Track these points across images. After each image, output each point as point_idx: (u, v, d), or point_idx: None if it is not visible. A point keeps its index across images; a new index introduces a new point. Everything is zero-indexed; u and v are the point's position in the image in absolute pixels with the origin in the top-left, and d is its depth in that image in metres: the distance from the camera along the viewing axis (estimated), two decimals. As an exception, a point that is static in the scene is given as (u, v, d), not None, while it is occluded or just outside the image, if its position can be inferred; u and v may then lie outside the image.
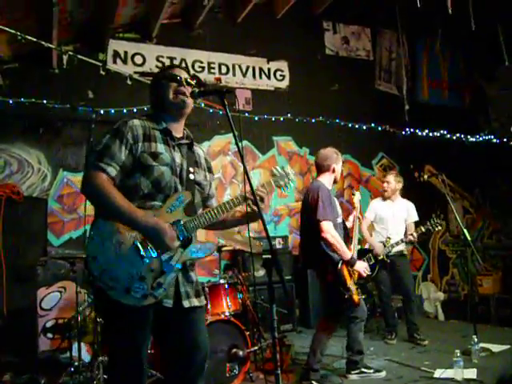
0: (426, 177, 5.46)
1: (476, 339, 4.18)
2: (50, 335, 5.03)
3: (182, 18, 6.30)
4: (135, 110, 5.46)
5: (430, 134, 7.53)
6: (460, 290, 7.80)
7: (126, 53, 5.99)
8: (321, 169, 3.97)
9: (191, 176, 2.20)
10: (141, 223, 1.97)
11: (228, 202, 2.18)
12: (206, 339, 2.17)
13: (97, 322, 3.84)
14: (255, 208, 2.10)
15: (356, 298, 3.73)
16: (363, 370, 3.94)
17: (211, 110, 6.03)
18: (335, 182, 4.02)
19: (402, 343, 5.12)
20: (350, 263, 3.73)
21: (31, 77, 5.38)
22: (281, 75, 6.97)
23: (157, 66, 6.07)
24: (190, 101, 2.20)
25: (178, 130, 2.25)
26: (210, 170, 2.39)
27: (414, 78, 7.98)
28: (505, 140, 7.68)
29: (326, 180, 3.92)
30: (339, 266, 3.70)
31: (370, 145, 7.35)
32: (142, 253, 1.98)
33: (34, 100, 5.24)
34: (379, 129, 7.25)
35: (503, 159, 7.45)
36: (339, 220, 3.90)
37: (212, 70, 6.51)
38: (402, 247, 5.18)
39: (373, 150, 7.56)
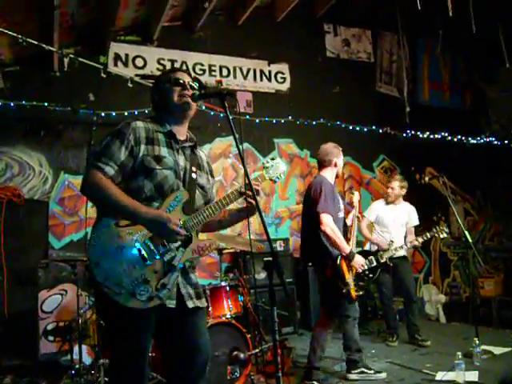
0: (427, 179, 5.47)
1: (478, 341, 4.17)
2: (50, 338, 5.02)
3: (182, 20, 6.32)
4: (136, 113, 5.47)
5: (431, 136, 7.53)
6: (461, 292, 7.77)
7: (127, 55, 6.00)
8: (323, 164, 4.01)
9: (194, 175, 2.20)
10: (142, 214, 1.97)
11: (225, 198, 2.20)
12: (208, 341, 2.18)
13: (98, 324, 3.84)
14: (253, 202, 2.12)
15: (353, 293, 3.74)
16: (364, 370, 3.93)
17: (212, 113, 6.04)
18: (337, 176, 4.05)
19: (404, 345, 5.11)
20: (348, 257, 3.75)
21: (32, 80, 5.39)
22: (282, 77, 6.98)
23: (158, 69, 6.08)
24: (194, 103, 2.21)
25: (182, 132, 2.26)
26: (211, 173, 2.41)
27: (414, 80, 7.98)
28: (506, 142, 7.68)
29: (329, 174, 3.96)
30: (338, 260, 3.72)
31: (371, 147, 7.35)
32: (145, 255, 1.98)
33: (35, 103, 5.25)
34: (380, 131, 7.25)
35: (504, 161, 7.44)
36: (341, 215, 3.94)
37: (213, 73, 6.52)
38: (404, 252, 5.18)
39: (374, 153, 7.56)
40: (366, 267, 3.95)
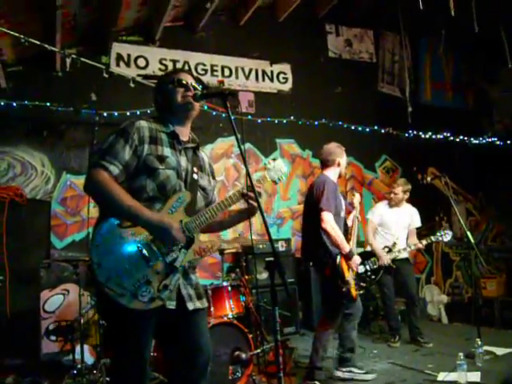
0: (429, 179, 5.46)
1: (480, 342, 4.16)
2: (52, 337, 5.01)
3: (184, 20, 6.32)
4: (138, 113, 5.47)
5: (433, 136, 7.52)
6: (464, 292, 7.76)
7: (129, 56, 6.01)
8: (326, 163, 4.02)
9: (195, 177, 2.20)
10: (145, 217, 1.95)
11: (227, 199, 2.20)
12: (209, 341, 2.18)
13: (100, 324, 3.84)
14: (255, 204, 2.13)
15: (354, 292, 3.74)
16: (352, 369, 3.94)
17: (214, 113, 6.04)
18: (340, 176, 4.07)
19: (406, 346, 5.10)
20: (348, 256, 3.76)
21: (35, 80, 5.40)
22: (284, 78, 6.98)
23: (160, 69, 6.08)
24: (197, 104, 2.21)
25: (185, 133, 2.25)
26: (212, 175, 2.40)
27: (416, 80, 7.98)
28: (508, 142, 7.67)
29: (332, 174, 3.98)
30: (338, 259, 3.72)
31: (373, 147, 7.35)
32: (147, 256, 1.98)
33: (37, 103, 5.26)
34: (382, 131, 7.24)
35: (507, 161, 7.43)
36: (342, 214, 3.94)
37: (215, 73, 6.52)
38: (406, 254, 5.17)
39: (376, 153, 7.56)
40: (359, 271, 3.95)
